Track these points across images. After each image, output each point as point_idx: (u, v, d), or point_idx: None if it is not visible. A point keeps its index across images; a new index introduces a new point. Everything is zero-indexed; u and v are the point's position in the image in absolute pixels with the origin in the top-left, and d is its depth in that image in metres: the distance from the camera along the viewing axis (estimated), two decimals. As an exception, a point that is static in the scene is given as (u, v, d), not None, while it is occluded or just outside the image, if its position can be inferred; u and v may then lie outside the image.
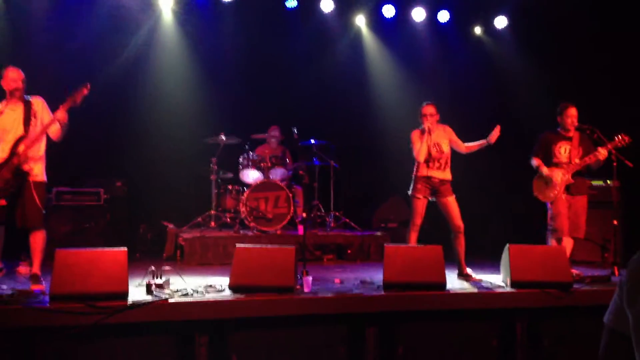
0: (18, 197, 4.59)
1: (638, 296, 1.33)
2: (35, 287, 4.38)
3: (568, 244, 5.44)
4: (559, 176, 5.52)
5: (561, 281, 4.67)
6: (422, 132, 5.59)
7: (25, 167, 4.61)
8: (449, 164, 5.63)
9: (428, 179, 5.55)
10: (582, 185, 5.60)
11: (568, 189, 5.53)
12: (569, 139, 5.60)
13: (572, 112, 5.55)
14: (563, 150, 5.58)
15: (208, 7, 8.14)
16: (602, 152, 5.40)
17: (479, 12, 8.91)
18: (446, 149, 5.60)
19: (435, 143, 5.57)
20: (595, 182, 6.66)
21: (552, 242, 5.48)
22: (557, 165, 5.58)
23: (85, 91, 4.57)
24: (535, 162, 5.67)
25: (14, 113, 4.68)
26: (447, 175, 5.60)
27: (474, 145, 5.63)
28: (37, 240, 4.63)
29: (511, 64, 8.77)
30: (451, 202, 5.54)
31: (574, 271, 5.09)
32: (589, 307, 4.57)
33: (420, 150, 5.54)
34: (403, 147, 5.95)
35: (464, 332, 4.56)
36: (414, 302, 4.43)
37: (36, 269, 4.59)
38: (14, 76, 4.69)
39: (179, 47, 8.25)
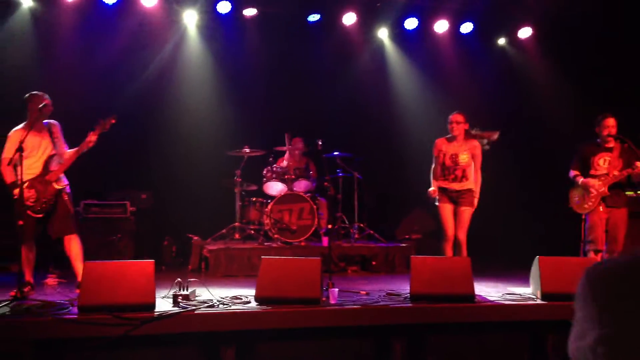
0: (51, 212, 4.78)
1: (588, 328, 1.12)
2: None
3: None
4: (596, 185, 5.34)
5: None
6: (448, 140, 5.63)
7: (58, 185, 4.83)
8: (467, 175, 5.56)
9: (444, 190, 5.55)
10: (620, 198, 5.41)
11: (605, 200, 5.35)
12: (609, 149, 5.42)
13: (610, 122, 5.37)
14: (602, 162, 5.40)
15: (231, 22, 8.21)
16: (639, 166, 5.21)
17: (503, 23, 8.84)
18: (463, 160, 5.56)
19: (452, 154, 5.56)
20: (626, 193, 6.49)
21: (590, 254, 5.29)
22: (594, 177, 5.40)
23: (114, 120, 4.94)
24: (572, 173, 5.55)
25: (40, 133, 4.89)
26: (464, 185, 5.56)
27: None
28: (75, 246, 4.79)
29: (536, 74, 8.67)
30: (463, 211, 5.50)
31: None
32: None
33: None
34: (426, 159, 5.92)
35: (494, 345, 4.47)
36: (442, 314, 4.37)
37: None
38: (47, 101, 4.89)
39: (203, 61, 8.34)
